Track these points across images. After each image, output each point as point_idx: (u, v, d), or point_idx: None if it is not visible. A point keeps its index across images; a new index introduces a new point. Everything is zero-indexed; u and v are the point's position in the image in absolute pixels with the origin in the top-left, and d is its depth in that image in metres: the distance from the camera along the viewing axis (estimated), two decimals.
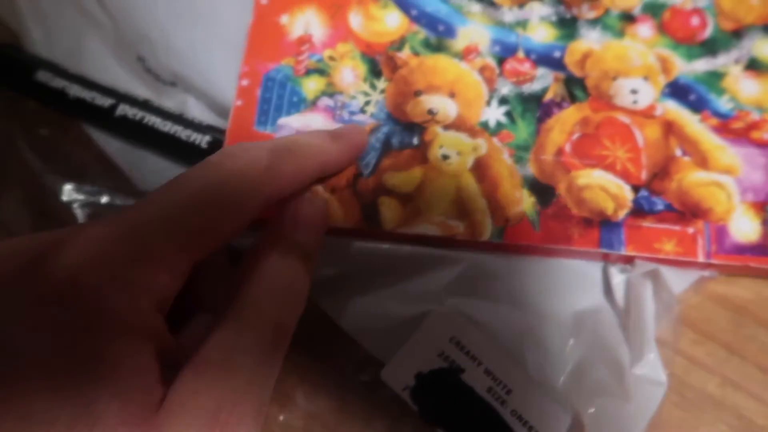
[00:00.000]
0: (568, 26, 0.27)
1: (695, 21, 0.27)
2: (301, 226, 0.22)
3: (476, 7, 0.28)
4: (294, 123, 0.26)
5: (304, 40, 0.27)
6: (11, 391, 0.15)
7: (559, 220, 0.25)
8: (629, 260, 0.24)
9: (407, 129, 0.26)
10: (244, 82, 0.27)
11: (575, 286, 0.25)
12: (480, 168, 0.25)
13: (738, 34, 0.27)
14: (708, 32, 0.27)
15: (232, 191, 0.19)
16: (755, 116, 0.26)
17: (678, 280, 0.24)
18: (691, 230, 0.24)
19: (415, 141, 0.26)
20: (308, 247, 0.22)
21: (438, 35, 0.27)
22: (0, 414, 0.15)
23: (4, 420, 0.15)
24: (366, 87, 0.27)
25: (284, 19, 0.27)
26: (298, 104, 0.26)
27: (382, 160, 0.26)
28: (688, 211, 0.25)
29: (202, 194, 0.19)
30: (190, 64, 0.28)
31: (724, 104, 0.26)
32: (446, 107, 0.26)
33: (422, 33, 0.27)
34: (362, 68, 0.27)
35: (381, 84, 0.27)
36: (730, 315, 0.25)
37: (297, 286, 0.20)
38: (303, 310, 0.20)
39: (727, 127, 0.26)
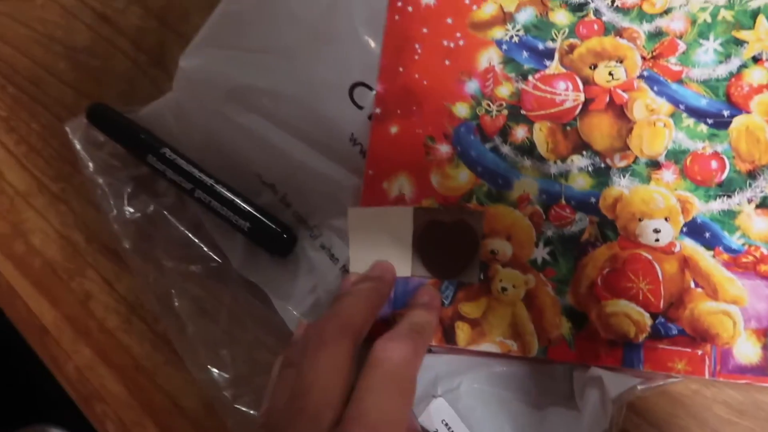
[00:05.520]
0: (602, 175, 0.30)
1: (714, 164, 0.29)
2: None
3: (527, 162, 0.32)
4: None
5: (400, 198, 0.33)
6: None
7: (590, 342, 0.29)
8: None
9: None
10: None
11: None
12: (529, 298, 0.30)
13: (752, 174, 0.28)
14: (725, 174, 0.29)
15: None
16: (764, 251, 0.27)
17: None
18: (700, 352, 0.27)
19: (482, 277, 0.31)
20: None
21: (498, 188, 0.32)
22: None
23: None
24: None
25: (385, 184, 0.33)
26: None
27: (458, 293, 0.31)
28: (699, 336, 0.27)
29: None
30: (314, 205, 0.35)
31: (735, 240, 0.28)
32: (504, 248, 0.31)
33: (486, 186, 0.32)
34: None
35: None
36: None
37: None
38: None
39: (737, 261, 0.28)
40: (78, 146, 0.37)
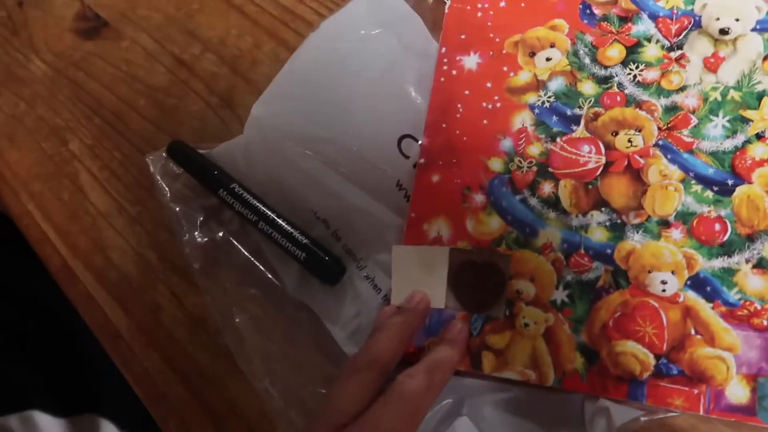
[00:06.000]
0: (618, 230, 0.35)
1: (717, 227, 0.33)
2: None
3: (552, 214, 0.36)
4: None
5: (438, 239, 0.38)
6: None
7: (600, 376, 0.33)
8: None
9: None
10: None
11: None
12: (548, 334, 0.34)
13: (751, 237, 0.32)
14: (727, 236, 0.33)
15: None
16: (757, 306, 0.31)
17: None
18: (696, 391, 0.31)
19: (507, 312, 0.35)
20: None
21: (525, 235, 0.36)
22: None
23: None
24: None
25: (425, 226, 0.38)
26: None
27: (485, 326, 0.35)
28: (696, 377, 0.31)
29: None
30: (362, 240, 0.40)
31: (733, 295, 0.32)
32: (528, 289, 0.35)
33: (514, 233, 0.36)
34: None
35: None
36: None
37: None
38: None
39: (733, 314, 0.31)
40: (157, 176, 0.42)
